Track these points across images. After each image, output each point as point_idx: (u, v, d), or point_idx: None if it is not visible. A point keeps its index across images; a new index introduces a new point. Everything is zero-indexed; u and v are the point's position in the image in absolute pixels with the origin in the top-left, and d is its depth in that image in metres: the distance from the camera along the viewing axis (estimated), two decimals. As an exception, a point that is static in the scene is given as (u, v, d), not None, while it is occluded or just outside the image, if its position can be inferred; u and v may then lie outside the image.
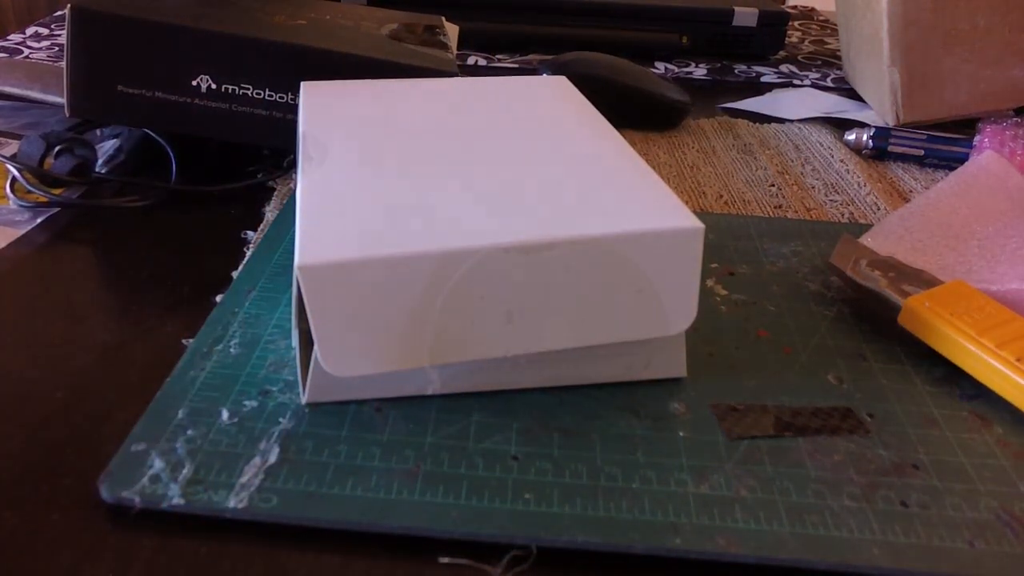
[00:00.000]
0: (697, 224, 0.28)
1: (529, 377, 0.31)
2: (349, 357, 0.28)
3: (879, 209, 0.49)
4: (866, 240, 0.42)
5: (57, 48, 0.71)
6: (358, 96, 0.40)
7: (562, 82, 0.43)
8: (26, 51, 0.70)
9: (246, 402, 0.30)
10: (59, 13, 0.82)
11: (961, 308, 0.34)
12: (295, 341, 0.30)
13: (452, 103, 0.39)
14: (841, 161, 0.56)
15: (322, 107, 0.38)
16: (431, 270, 0.27)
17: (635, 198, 0.30)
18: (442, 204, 0.29)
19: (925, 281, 0.36)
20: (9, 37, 0.74)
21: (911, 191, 0.53)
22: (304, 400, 0.30)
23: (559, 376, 0.31)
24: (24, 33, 0.75)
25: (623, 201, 0.30)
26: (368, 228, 0.28)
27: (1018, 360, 0.31)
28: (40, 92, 0.55)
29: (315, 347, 0.27)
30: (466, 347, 0.28)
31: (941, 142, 0.56)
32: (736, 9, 0.78)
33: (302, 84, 0.41)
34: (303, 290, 0.26)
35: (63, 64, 0.63)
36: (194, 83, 0.45)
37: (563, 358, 0.31)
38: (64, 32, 0.74)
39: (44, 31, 0.76)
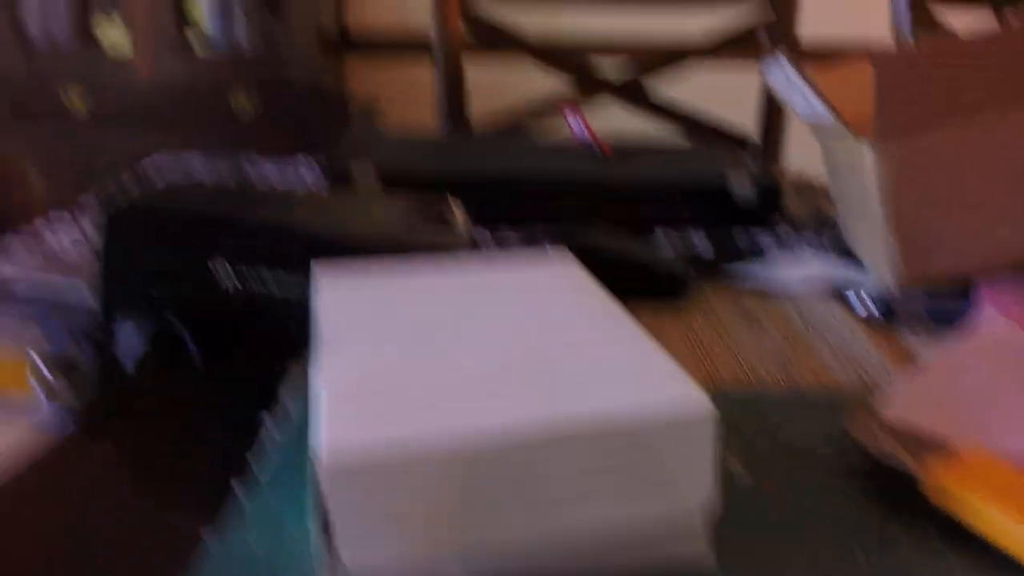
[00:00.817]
0: (708, 405, 0.29)
1: (552, 567, 0.30)
2: (369, 551, 0.27)
3: (889, 374, 0.50)
4: (880, 408, 0.42)
5: (83, 237, 0.74)
6: (370, 278, 0.41)
7: (568, 259, 0.44)
8: (50, 239, 0.73)
9: (264, 598, 0.29)
10: (85, 205, 0.85)
11: (983, 475, 0.34)
12: (314, 534, 0.30)
13: (463, 284, 0.40)
14: (847, 328, 0.57)
15: (336, 290, 0.39)
16: (450, 462, 0.27)
17: (645, 380, 0.30)
18: (457, 393, 0.30)
19: (943, 448, 0.36)
20: (36, 224, 0.77)
21: (920, 353, 0.53)
22: None
23: (582, 567, 0.31)
24: (50, 221, 0.78)
25: (633, 384, 0.30)
26: (386, 421, 0.28)
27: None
28: (63, 280, 0.57)
29: (334, 541, 0.27)
30: (486, 537, 0.28)
31: (944, 302, 0.57)
32: (732, 179, 0.81)
33: (316, 267, 0.43)
34: (322, 485, 0.26)
35: (87, 253, 0.65)
36: (215, 272, 0.46)
37: (585, 548, 0.30)
38: (89, 222, 0.77)
39: (69, 219, 0.79)
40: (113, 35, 2.17)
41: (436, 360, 0.32)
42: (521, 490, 0.28)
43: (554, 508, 0.28)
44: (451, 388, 0.30)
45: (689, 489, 0.29)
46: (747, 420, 0.43)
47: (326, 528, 0.29)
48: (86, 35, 2.19)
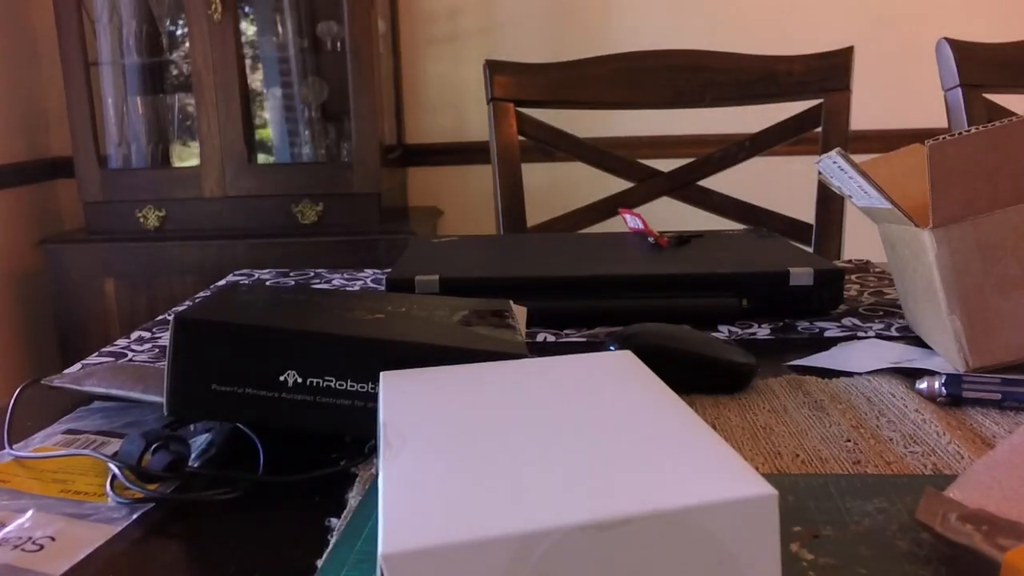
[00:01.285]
0: (771, 490, 0.29)
1: None
2: None
3: (962, 458, 0.48)
4: (953, 492, 0.41)
5: (158, 350, 0.77)
6: (435, 383, 0.42)
7: (627, 356, 0.45)
8: (130, 354, 0.76)
9: None
10: (160, 318, 0.89)
11: (1063, 561, 0.33)
12: None
13: (524, 385, 0.41)
14: (916, 411, 0.56)
15: (400, 395, 0.41)
16: (511, 552, 0.27)
17: (706, 468, 0.30)
18: (518, 485, 0.30)
19: (1022, 533, 0.35)
20: (116, 343, 0.80)
21: (994, 437, 0.52)
22: None
23: None
24: (129, 337, 0.82)
25: (694, 472, 0.30)
26: (448, 513, 0.28)
27: None
28: (141, 393, 0.59)
29: None
30: None
31: (1018, 385, 0.56)
32: (792, 270, 0.81)
33: (382, 374, 0.44)
34: (382, 573, 0.27)
35: (163, 365, 0.68)
36: (282, 379, 0.48)
37: None
38: (165, 335, 0.81)
39: (147, 335, 0.82)
40: (186, 154, 2.29)
41: (495, 457, 0.33)
42: None
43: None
44: (510, 482, 0.30)
45: (754, 574, 0.29)
46: (813, 505, 0.42)
47: None
48: (162, 158, 2.32)
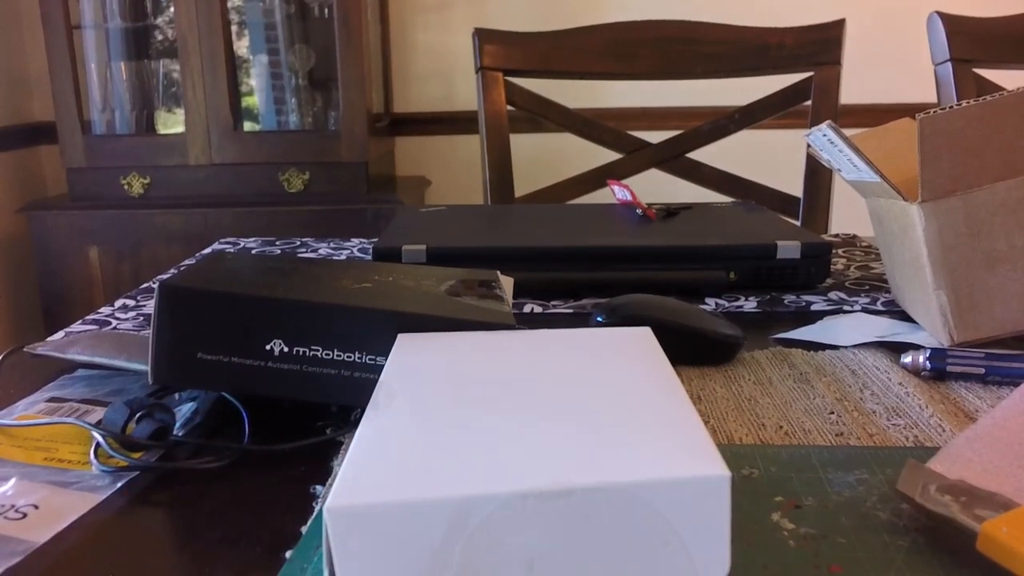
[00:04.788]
0: (723, 472, 0.28)
1: None
2: None
3: (944, 431, 0.49)
4: (934, 464, 0.42)
5: (143, 318, 0.76)
6: (445, 348, 0.42)
7: (644, 333, 0.44)
8: (114, 322, 0.75)
9: (314, 664, 0.30)
10: (144, 286, 0.89)
11: (1041, 532, 0.33)
12: None
13: (527, 355, 0.41)
14: (900, 384, 0.56)
15: (406, 358, 0.41)
16: (449, 516, 0.27)
17: (665, 445, 0.30)
18: (475, 451, 0.30)
19: (1000, 504, 0.36)
20: (100, 310, 0.80)
21: (976, 410, 0.52)
22: None
23: None
24: (113, 305, 0.81)
25: (651, 448, 0.30)
26: (400, 473, 0.29)
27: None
28: (126, 361, 0.59)
29: None
30: None
31: (1001, 359, 0.56)
32: (779, 243, 0.81)
33: (399, 336, 0.44)
34: (328, 531, 0.27)
35: (148, 334, 0.68)
36: (268, 347, 0.48)
37: None
38: (149, 303, 0.80)
39: (131, 303, 0.82)
40: (171, 121, 2.27)
41: (467, 423, 0.33)
42: (522, 546, 0.28)
43: (554, 568, 0.28)
44: (469, 447, 0.31)
45: (702, 555, 0.28)
46: (795, 476, 0.42)
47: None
48: (146, 124, 2.29)
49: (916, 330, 0.68)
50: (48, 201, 2.27)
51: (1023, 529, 0.33)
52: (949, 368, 0.57)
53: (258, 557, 0.38)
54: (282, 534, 0.40)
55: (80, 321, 0.76)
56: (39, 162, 2.59)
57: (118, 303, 0.82)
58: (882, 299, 0.78)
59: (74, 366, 0.62)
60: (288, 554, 0.37)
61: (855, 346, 0.65)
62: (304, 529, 0.40)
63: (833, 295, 0.80)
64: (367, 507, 0.27)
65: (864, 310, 0.75)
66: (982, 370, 0.56)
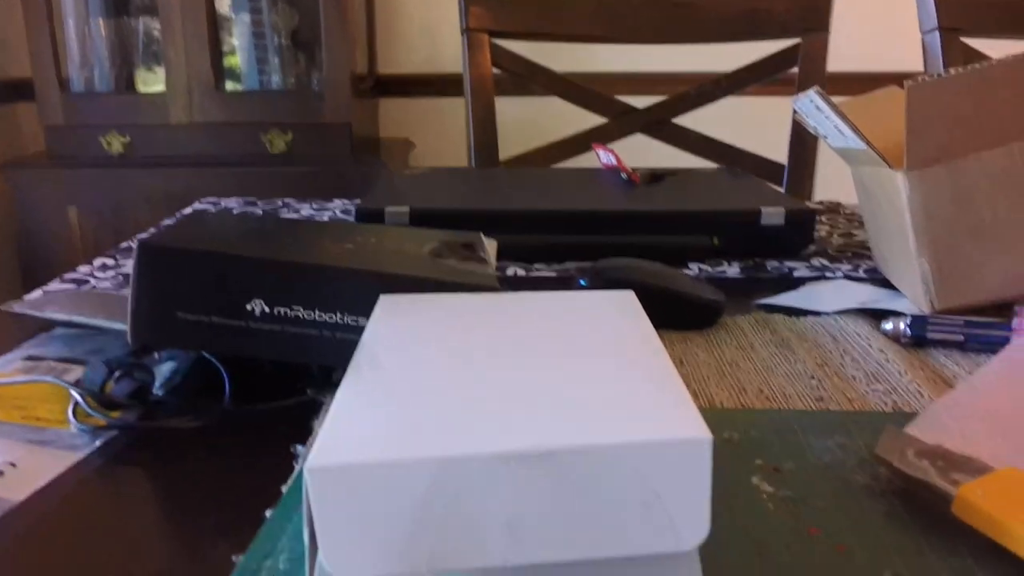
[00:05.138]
0: (705, 435, 0.28)
1: None
2: (350, 559, 0.28)
3: (923, 397, 0.49)
4: (912, 430, 0.42)
5: (122, 278, 0.76)
6: (428, 310, 0.42)
7: (627, 296, 0.44)
8: (93, 281, 0.74)
9: (293, 621, 0.30)
10: (124, 245, 0.88)
11: (1017, 496, 0.33)
12: (306, 540, 0.30)
13: (511, 318, 0.41)
14: (880, 350, 0.56)
15: (387, 319, 0.40)
16: (431, 476, 0.27)
17: (647, 408, 0.30)
18: (457, 412, 0.30)
19: (976, 469, 0.36)
20: (78, 269, 0.79)
21: (954, 377, 0.52)
22: None
23: None
24: (92, 264, 0.80)
25: (634, 411, 0.30)
26: (380, 433, 0.29)
27: (1082, 550, 0.30)
28: (105, 320, 0.59)
29: (317, 545, 0.28)
30: (466, 555, 0.28)
31: (980, 327, 0.57)
32: (763, 209, 0.81)
33: (381, 296, 0.44)
34: (308, 490, 0.27)
35: (127, 293, 0.67)
36: (249, 307, 0.47)
37: (568, 572, 0.30)
38: (129, 263, 0.79)
39: (110, 262, 0.81)
40: (151, 80, 2.23)
41: (449, 384, 0.33)
42: (501, 507, 0.28)
43: (534, 530, 0.28)
44: (451, 409, 0.30)
45: (682, 518, 0.28)
46: (775, 440, 0.43)
47: (312, 536, 0.29)
48: (126, 83, 2.26)
49: (897, 297, 0.68)
50: (26, 159, 2.24)
51: (998, 493, 0.34)
52: (929, 335, 0.57)
53: (238, 516, 0.38)
54: (262, 493, 0.39)
55: (58, 280, 0.76)
56: (16, 120, 2.55)
57: (97, 262, 0.81)
58: (864, 266, 0.79)
59: (52, 324, 0.62)
60: (268, 513, 0.37)
61: (837, 312, 0.65)
62: (285, 488, 0.40)
63: (816, 262, 0.81)
64: (347, 467, 0.27)
65: (846, 277, 0.75)
66: (961, 337, 0.57)
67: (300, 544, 0.34)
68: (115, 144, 2.16)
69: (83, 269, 0.79)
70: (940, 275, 0.62)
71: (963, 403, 0.44)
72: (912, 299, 0.66)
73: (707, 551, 0.33)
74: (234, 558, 0.34)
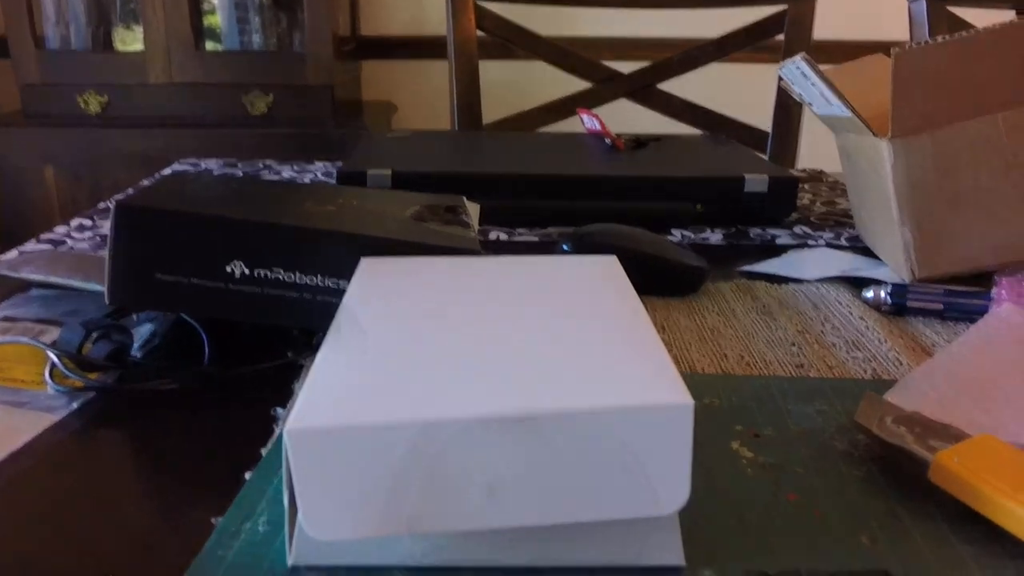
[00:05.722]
0: (687, 400, 0.28)
1: (515, 555, 0.31)
2: (330, 521, 0.28)
3: (902, 365, 0.50)
4: (891, 397, 0.42)
5: (99, 238, 0.75)
6: (409, 273, 0.41)
7: (610, 261, 0.44)
8: (70, 242, 0.73)
9: (273, 583, 0.30)
10: (101, 205, 0.87)
11: (992, 463, 0.34)
12: (286, 503, 0.30)
13: (492, 281, 0.40)
14: (861, 318, 0.57)
15: (370, 281, 0.40)
16: (411, 440, 0.27)
17: (629, 373, 0.30)
18: (439, 376, 0.30)
19: (953, 436, 0.36)
20: (55, 229, 0.78)
21: (933, 345, 0.53)
22: (290, 562, 0.30)
23: (546, 556, 0.31)
24: (69, 225, 0.79)
25: (616, 376, 0.30)
26: (361, 396, 0.29)
27: (1056, 515, 0.31)
28: (82, 281, 0.58)
29: (296, 508, 0.28)
30: (446, 518, 0.28)
31: (960, 296, 0.57)
32: (747, 176, 0.81)
33: (362, 259, 0.43)
34: (288, 453, 0.27)
35: (105, 254, 0.66)
36: (228, 269, 0.47)
37: (549, 536, 0.30)
38: (106, 224, 0.78)
39: (88, 222, 0.80)
40: (129, 39, 2.19)
41: (431, 348, 0.32)
42: (482, 471, 0.28)
43: (514, 494, 0.28)
44: (433, 373, 0.30)
45: (663, 483, 0.29)
46: (756, 406, 0.43)
47: (292, 498, 0.29)
48: (103, 41, 2.21)
49: (878, 266, 0.68)
50: (2, 118, 2.20)
51: (974, 460, 0.34)
52: (909, 303, 0.57)
53: (218, 479, 0.37)
54: (242, 456, 0.39)
55: (34, 240, 0.75)
56: (-9, 77, 2.50)
57: (74, 223, 0.80)
58: (846, 234, 0.79)
59: (28, 285, 0.61)
60: (248, 476, 0.37)
61: (818, 280, 0.65)
62: (264, 451, 0.39)
63: (798, 229, 0.81)
64: (327, 430, 0.27)
65: (828, 245, 0.76)
66: (940, 306, 0.57)
67: (280, 507, 0.34)
68: (92, 103, 2.12)
69: (60, 229, 0.78)
70: (921, 243, 0.62)
71: (941, 371, 0.44)
72: (893, 267, 0.66)
73: (686, 516, 0.33)
74: (213, 520, 0.34)
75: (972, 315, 0.56)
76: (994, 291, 0.56)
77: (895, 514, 0.34)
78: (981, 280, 0.63)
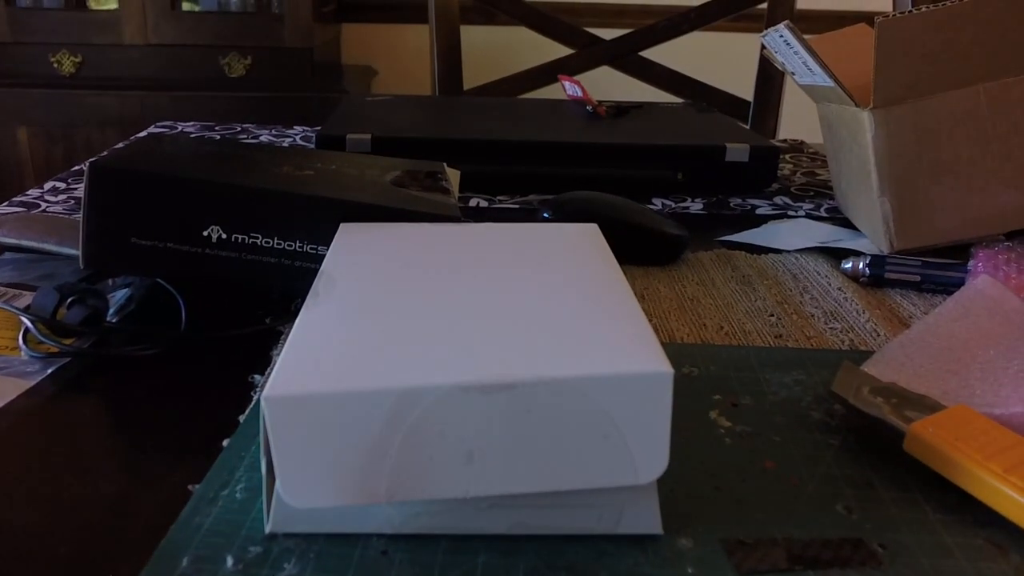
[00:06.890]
0: (665, 369, 0.28)
1: (493, 522, 0.31)
2: (308, 488, 0.28)
3: (879, 336, 0.50)
4: (867, 367, 0.43)
5: (74, 201, 0.74)
6: (389, 239, 0.41)
7: (591, 229, 0.44)
8: (43, 204, 0.72)
9: (251, 548, 0.30)
10: (76, 168, 0.85)
11: (966, 433, 0.34)
12: (263, 470, 0.30)
13: (472, 248, 0.40)
14: (839, 289, 0.57)
15: (348, 247, 0.40)
16: (389, 406, 0.27)
17: (609, 341, 0.30)
18: (418, 343, 0.30)
19: (928, 407, 0.37)
20: (28, 192, 0.76)
21: (910, 317, 0.53)
22: (268, 529, 0.30)
23: (524, 524, 0.31)
24: (42, 188, 0.78)
25: (595, 344, 0.30)
26: (339, 363, 0.28)
27: (1027, 485, 0.31)
28: (56, 245, 0.57)
29: (274, 475, 0.28)
30: (425, 486, 0.28)
31: (937, 268, 0.57)
32: (728, 145, 0.81)
33: (341, 225, 0.43)
34: (266, 420, 0.27)
35: (79, 217, 0.65)
36: (205, 234, 0.46)
37: (527, 504, 0.30)
38: (81, 186, 0.77)
39: (61, 185, 0.79)
40: (105, -1, 2.15)
41: (410, 315, 0.32)
42: (461, 438, 0.28)
43: (494, 462, 0.28)
44: (412, 340, 0.30)
45: (642, 451, 0.29)
46: (734, 375, 0.43)
47: (269, 465, 0.29)
48: (77, 1, 2.17)
49: (857, 237, 0.68)
50: (-28, 77, 2.15)
51: (948, 430, 0.34)
52: (887, 275, 0.58)
53: (195, 445, 0.37)
54: (220, 423, 0.39)
55: (6, 203, 0.73)
56: (-39, 34, 2.44)
57: (47, 185, 0.79)
58: (826, 205, 0.79)
59: (0, 249, 0.60)
60: (226, 443, 0.37)
61: (798, 251, 0.65)
62: (242, 418, 0.39)
63: (778, 200, 0.81)
64: (305, 397, 0.27)
65: (808, 216, 0.76)
66: (918, 278, 0.58)
67: (257, 474, 0.34)
68: (66, 64, 2.09)
69: (33, 192, 0.77)
70: (900, 215, 0.62)
71: (917, 342, 0.45)
72: (872, 239, 0.66)
73: (665, 484, 0.34)
74: (190, 487, 0.34)
75: (949, 287, 0.57)
76: (971, 263, 0.56)
77: (870, 483, 0.34)
78: (958, 252, 0.63)
